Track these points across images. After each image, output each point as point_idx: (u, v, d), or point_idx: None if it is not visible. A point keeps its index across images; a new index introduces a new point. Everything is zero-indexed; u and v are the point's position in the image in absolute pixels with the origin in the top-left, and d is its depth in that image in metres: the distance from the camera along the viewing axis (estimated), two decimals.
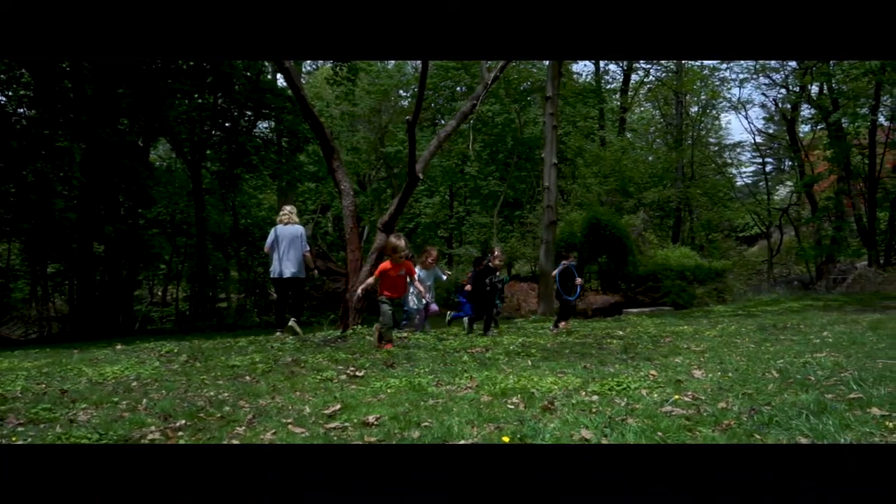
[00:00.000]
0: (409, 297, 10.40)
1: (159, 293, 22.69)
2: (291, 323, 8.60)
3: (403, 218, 27.78)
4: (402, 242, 6.96)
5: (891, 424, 3.04)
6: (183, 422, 3.70)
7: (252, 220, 21.28)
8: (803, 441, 2.90)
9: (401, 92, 29.64)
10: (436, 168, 26.29)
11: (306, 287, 15.24)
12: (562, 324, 9.20)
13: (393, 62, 28.51)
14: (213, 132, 19.28)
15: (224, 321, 17.68)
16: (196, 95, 18.08)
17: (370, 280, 7.15)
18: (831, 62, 21.45)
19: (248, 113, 19.62)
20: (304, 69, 27.79)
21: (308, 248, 8.86)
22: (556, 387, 4.37)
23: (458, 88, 27.94)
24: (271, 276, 8.97)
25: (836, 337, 6.62)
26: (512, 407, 3.84)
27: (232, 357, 6.31)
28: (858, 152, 23.08)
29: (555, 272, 9.38)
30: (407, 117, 7.73)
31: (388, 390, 4.49)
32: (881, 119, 22.83)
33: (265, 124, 21.25)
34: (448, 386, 4.59)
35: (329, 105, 26.69)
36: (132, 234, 16.37)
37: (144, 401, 4.28)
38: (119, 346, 7.68)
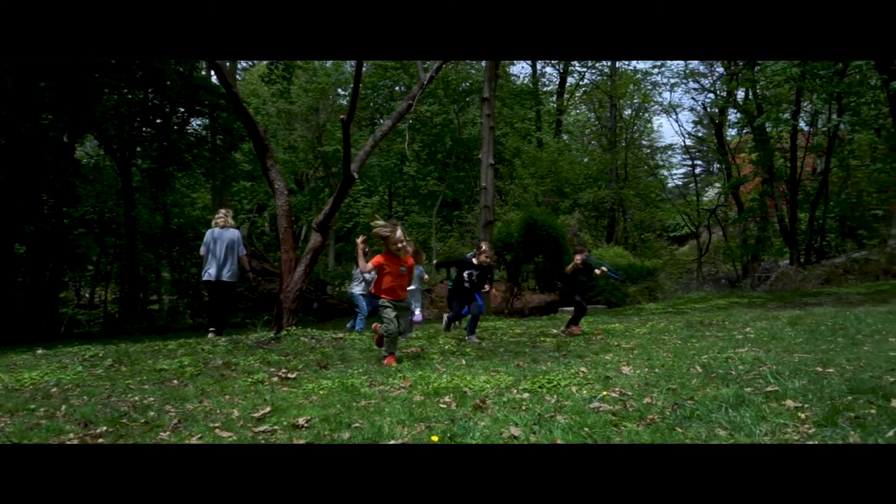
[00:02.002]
0: (354, 285, 10.33)
1: (86, 295, 21.86)
2: (211, 334, 8.50)
3: (342, 218, 27.58)
4: (397, 232, 5.83)
5: (803, 416, 3.18)
6: (104, 428, 3.58)
7: (185, 220, 20.72)
8: (721, 433, 3.01)
9: (339, 90, 29.39)
10: (374, 168, 26.18)
11: (241, 288, 14.97)
12: (574, 327, 8.00)
13: (330, 61, 28.26)
14: (144, 129, 18.67)
15: (155, 324, 17.16)
16: (125, 90, 17.48)
17: (367, 265, 5.88)
18: (756, 68, 22.32)
19: (181, 109, 19.08)
20: (239, 65, 27.21)
21: (244, 252, 8.79)
22: (488, 385, 4.42)
23: (397, 88, 27.90)
24: (204, 278, 8.84)
25: (757, 333, 6.89)
26: (444, 406, 3.86)
27: (160, 361, 6.13)
28: (781, 156, 24.08)
29: (571, 267, 8.05)
30: (342, 116, 7.66)
31: (321, 392, 4.45)
32: (802, 124, 23.90)
33: (198, 121, 20.73)
34: (381, 386, 4.58)
35: (265, 103, 26.23)
36: (56, 233, 15.70)
37: (64, 407, 4.12)
38: (40, 351, 7.36)
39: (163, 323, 17.33)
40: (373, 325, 6.34)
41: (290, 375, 5.16)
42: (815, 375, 4.04)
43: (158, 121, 18.85)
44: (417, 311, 7.78)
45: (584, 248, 8.29)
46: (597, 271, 7.99)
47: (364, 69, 27.24)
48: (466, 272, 7.74)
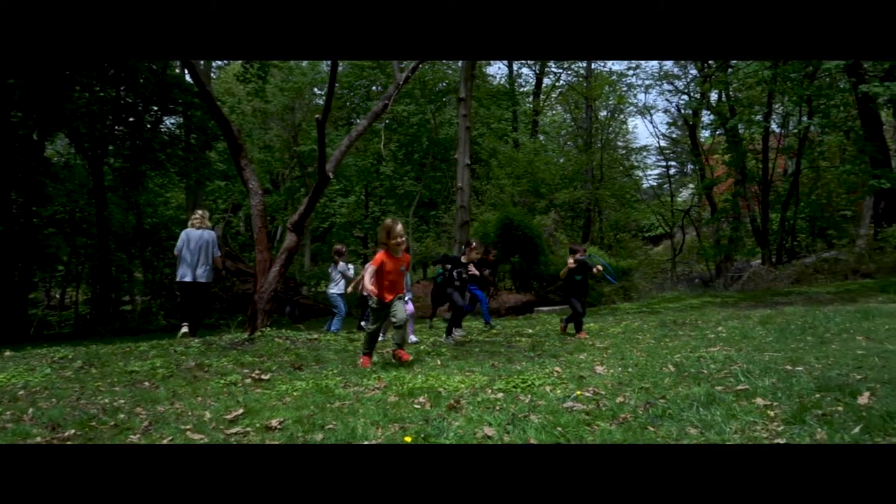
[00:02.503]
0: (332, 286, 10.22)
1: (57, 296, 21.50)
2: (183, 330, 8.44)
3: (318, 218, 27.43)
4: (398, 226, 5.52)
5: (772, 413, 3.23)
6: (73, 431, 3.52)
7: (158, 220, 20.47)
8: (692, 431, 3.04)
9: (315, 90, 29.22)
10: (351, 168, 26.08)
11: (215, 289, 14.82)
12: (582, 334, 7.49)
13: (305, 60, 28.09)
14: (116, 127, 18.41)
15: (127, 325, 16.93)
16: (97, 88, 17.22)
17: (366, 276, 5.44)
18: (729, 70, 22.62)
19: (154, 108, 18.84)
20: (213, 64, 26.92)
21: (219, 254, 8.77)
22: (463, 385, 4.42)
23: (374, 87, 27.82)
24: (178, 279, 8.85)
25: (729, 332, 6.97)
26: (418, 407, 3.85)
27: (131, 362, 6.05)
28: (753, 157, 24.43)
29: (564, 271, 7.70)
30: (317, 116, 7.62)
31: (294, 393, 4.42)
32: (773, 126, 24.28)
33: (172, 120, 20.48)
34: (356, 387, 4.57)
35: (240, 101, 26.00)
36: (25, 233, 15.43)
37: (31, 410, 4.05)
38: (8, 353, 7.22)
39: (135, 324, 17.10)
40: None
41: (263, 377, 5.12)
42: (785, 374, 4.10)
43: (131, 119, 18.60)
44: (409, 304, 7.47)
45: (579, 247, 7.95)
46: (594, 270, 7.67)
47: (340, 69, 27.11)
48: (456, 271, 7.66)
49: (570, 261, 7.58)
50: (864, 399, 3.26)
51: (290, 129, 27.34)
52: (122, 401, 4.32)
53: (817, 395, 3.44)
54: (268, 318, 7.90)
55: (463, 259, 7.79)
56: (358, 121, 26.46)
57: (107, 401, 4.33)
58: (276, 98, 26.10)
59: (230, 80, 28.11)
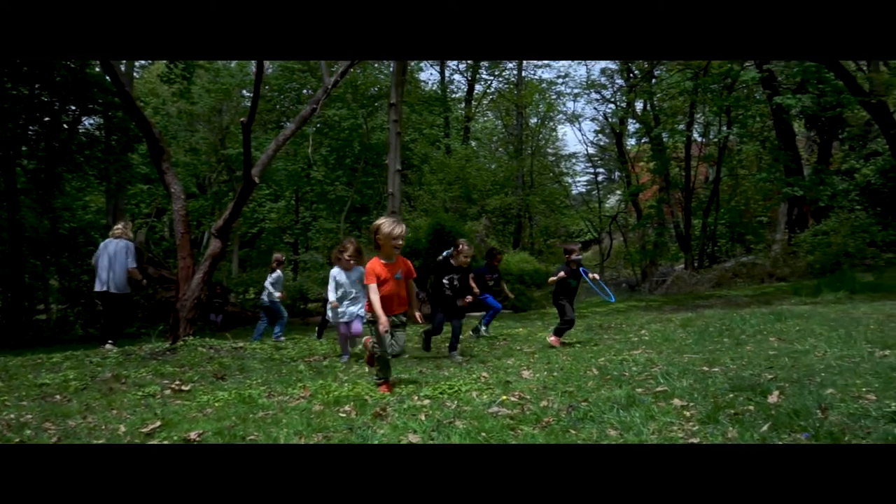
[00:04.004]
0: (266, 292, 10.00)
1: None
2: (108, 346, 8.13)
3: (246, 223, 26.83)
4: (401, 227, 4.52)
5: (688, 414, 3.32)
6: None
7: (76, 224, 19.56)
8: (612, 433, 3.10)
9: (244, 92, 28.59)
10: (281, 172, 25.63)
11: (136, 297, 14.30)
12: (555, 339, 6.78)
13: (235, 61, 27.48)
14: (30, 127, 17.53)
15: (42, 335, 16.11)
16: (9, 85, 16.36)
17: (373, 298, 4.43)
18: (653, 81, 23.40)
19: (72, 107, 18.04)
20: (136, 63, 26.02)
21: (133, 265, 8.50)
22: (389, 393, 4.40)
23: (305, 91, 27.45)
24: (94, 289, 8.63)
25: (652, 335, 7.16)
26: (343, 415, 3.81)
27: (42, 375, 5.76)
28: (676, 165, 25.31)
29: (557, 278, 6.83)
30: (242, 119, 7.46)
31: (216, 404, 4.30)
32: (695, 135, 25.24)
33: (91, 120, 19.65)
34: (280, 397, 4.48)
35: (165, 103, 25.21)
36: None
37: None
38: None
39: (49, 334, 16.29)
40: (363, 340, 5.09)
41: (183, 387, 4.96)
42: (702, 375, 4.24)
43: (46, 119, 17.74)
44: (357, 321, 6.49)
45: (575, 247, 7.13)
46: (590, 276, 6.81)
47: (269, 71, 26.67)
48: (446, 278, 6.49)
49: (570, 260, 6.83)
50: (773, 398, 3.40)
51: (217, 132, 26.65)
52: (29, 416, 4.10)
53: (731, 395, 3.56)
54: (190, 326, 7.67)
55: (452, 261, 6.58)
56: (288, 124, 26.07)
57: (13, 416, 4.10)
58: (202, 100, 25.41)
59: (154, 80, 27.24)
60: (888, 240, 16.13)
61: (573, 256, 6.88)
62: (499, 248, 10.36)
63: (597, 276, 6.88)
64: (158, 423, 3.74)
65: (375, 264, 4.49)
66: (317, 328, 10.15)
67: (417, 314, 4.79)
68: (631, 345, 6.43)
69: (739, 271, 19.47)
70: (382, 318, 4.35)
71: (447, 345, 6.61)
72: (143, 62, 28.04)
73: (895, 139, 14.84)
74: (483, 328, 8.45)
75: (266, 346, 7.69)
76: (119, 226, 9.01)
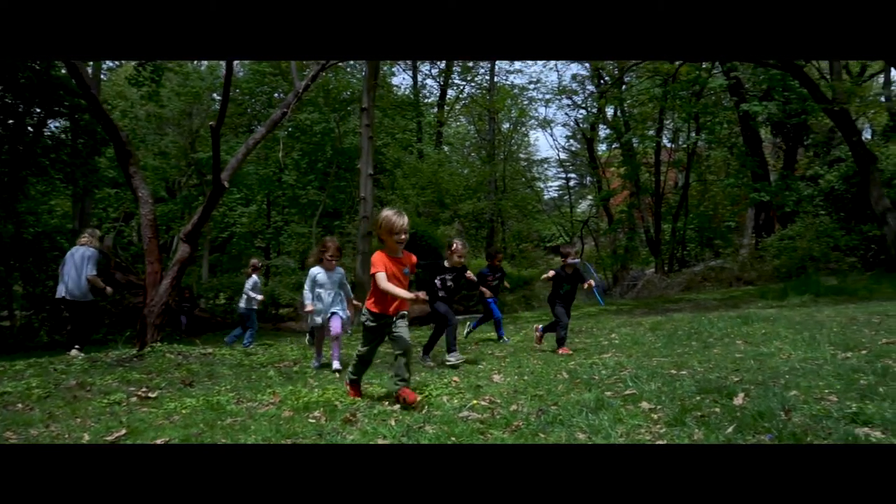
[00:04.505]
0: (244, 298, 9.83)
1: None
2: (73, 352, 7.99)
3: (217, 227, 26.54)
4: (404, 219, 4.19)
5: (656, 416, 3.36)
6: None
7: (42, 229, 19.15)
8: (581, 437, 3.12)
9: (214, 95, 28.30)
10: (252, 176, 25.40)
11: (103, 303, 14.05)
12: (564, 349, 6.36)
13: (205, 64, 27.23)
14: None
15: (6, 342, 15.74)
16: None
17: (390, 288, 4.11)
18: (623, 87, 23.67)
19: (37, 110, 17.67)
20: (104, 65, 25.62)
21: (93, 272, 8.34)
22: (360, 398, 4.38)
23: (276, 94, 27.25)
24: (56, 295, 8.50)
25: (622, 338, 7.23)
26: (313, 421, 3.78)
27: (4, 383, 5.63)
28: (647, 170, 25.63)
29: (547, 276, 6.67)
30: (211, 122, 7.38)
31: (183, 411, 4.24)
32: (665, 141, 25.58)
33: (57, 123, 19.26)
34: (249, 403, 4.43)
35: (134, 105, 24.83)
36: None
37: None
38: None
39: (13, 341, 15.93)
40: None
41: (150, 394, 4.89)
42: (670, 378, 4.28)
43: (10, 121, 17.36)
44: (336, 323, 6.14)
45: (572, 249, 6.73)
46: (584, 285, 6.48)
47: (240, 74, 26.46)
48: (438, 278, 6.29)
49: (566, 264, 6.52)
50: (739, 400, 3.45)
51: (187, 136, 26.33)
52: None
53: (698, 398, 3.61)
54: (158, 332, 7.55)
55: (445, 264, 6.34)
56: (259, 128, 25.86)
57: None
58: (171, 103, 25.09)
59: (122, 82, 26.83)
60: (851, 244, 16.49)
61: (568, 261, 6.53)
62: (497, 249, 10.25)
63: (592, 283, 6.56)
64: (123, 431, 3.68)
65: (383, 257, 4.16)
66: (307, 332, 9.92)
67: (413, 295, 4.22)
68: (601, 348, 6.48)
69: (708, 275, 19.76)
70: (410, 295, 4.12)
71: (422, 348, 6.59)
72: (110, 64, 27.66)
73: (857, 146, 15.18)
74: (468, 329, 8.66)
75: (236, 352, 7.60)
76: (86, 233, 8.91)
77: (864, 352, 4.75)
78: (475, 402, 4.00)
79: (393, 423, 3.59)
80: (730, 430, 2.95)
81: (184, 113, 25.94)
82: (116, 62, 27.89)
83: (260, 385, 5.18)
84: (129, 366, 6.51)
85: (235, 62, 24.94)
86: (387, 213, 4.20)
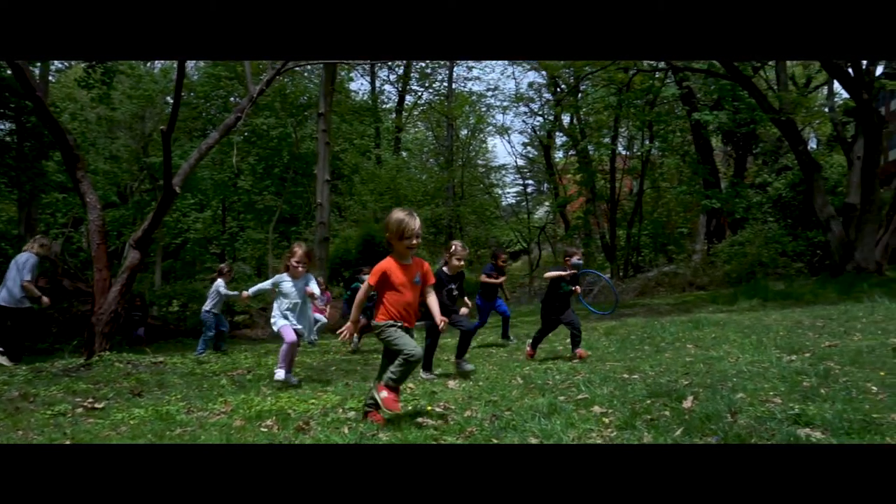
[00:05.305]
0: (211, 302, 9.49)
1: None
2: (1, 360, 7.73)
3: (170, 233, 26.02)
4: (417, 221, 3.73)
5: (607, 420, 3.40)
6: None
7: None
8: (533, 441, 3.14)
9: (168, 98, 27.76)
10: (207, 181, 24.98)
11: (51, 311, 13.65)
12: (581, 352, 6.00)
13: (158, 67, 26.74)
14: None
15: None
16: None
17: (362, 290, 3.86)
18: (579, 95, 24.00)
19: None
20: (52, 66, 24.91)
21: (27, 278, 8.03)
22: (314, 406, 4.33)
23: (232, 98, 26.87)
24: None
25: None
26: (265, 430, 3.72)
27: None
28: (602, 177, 26.01)
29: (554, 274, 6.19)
30: (162, 127, 7.24)
31: (131, 422, 4.14)
32: (620, 148, 26.03)
33: (2, 125, 18.66)
34: (200, 412, 4.35)
35: (84, 108, 24.22)
36: None
37: None
38: None
39: None
40: (375, 385, 3.82)
41: (97, 405, 4.76)
42: (622, 382, 4.35)
43: None
44: (290, 331, 5.68)
45: (577, 251, 6.35)
46: (573, 288, 6.15)
47: (195, 77, 26.04)
48: (444, 290, 5.70)
49: (568, 265, 6.10)
50: (688, 403, 3.52)
51: (139, 139, 25.76)
52: None
53: (648, 402, 3.66)
54: (107, 341, 7.36)
55: (446, 270, 5.81)
56: (213, 133, 25.41)
57: None
58: (123, 105, 24.52)
59: (72, 84, 26.12)
60: (798, 250, 17.00)
61: (573, 261, 6.13)
62: (501, 248, 9.83)
63: (578, 289, 6.33)
64: (67, 444, 3.57)
65: (389, 265, 3.72)
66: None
67: (440, 319, 4.00)
68: (556, 353, 6.54)
69: (662, 280, 20.11)
70: (350, 328, 3.83)
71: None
72: (59, 65, 26.95)
73: (803, 155, 15.67)
74: (511, 340, 8.27)
75: (188, 360, 7.45)
76: (34, 240, 8.61)
77: (807, 354, 4.89)
78: (430, 408, 3.99)
79: (346, 430, 3.56)
80: (678, 432, 3.00)
81: (136, 116, 25.38)
82: (65, 63, 27.18)
83: (211, 394, 5.09)
84: (75, 376, 6.32)
85: (189, 64, 24.43)
86: (397, 213, 3.73)
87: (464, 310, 5.88)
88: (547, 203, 35.32)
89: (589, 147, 24.57)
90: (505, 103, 35.18)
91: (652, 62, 18.82)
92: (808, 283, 14.60)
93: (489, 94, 32.99)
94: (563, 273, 6.06)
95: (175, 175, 7.83)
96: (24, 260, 8.06)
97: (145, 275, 22.49)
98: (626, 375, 4.63)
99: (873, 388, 3.58)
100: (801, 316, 7.92)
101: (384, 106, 32.63)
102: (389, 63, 28.06)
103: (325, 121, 14.08)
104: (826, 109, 19.25)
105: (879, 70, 15.82)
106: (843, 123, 17.54)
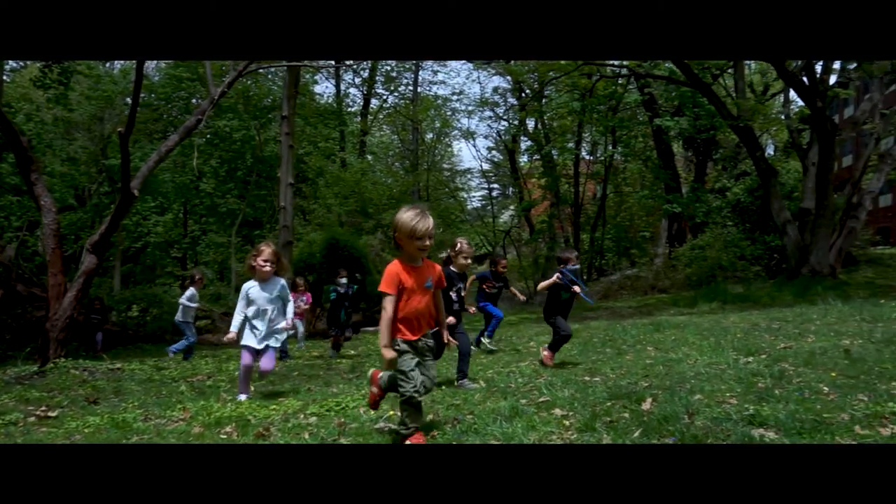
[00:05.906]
0: (180, 309, 9.26)
1: None
2: None
3: (130, 237, 25.52)
4: (429, 221, 3.29)
5: (567, 423, 3.42)
6: None
7: None
8: (494, 444, 3.14)
9: (127, 100, 27.23)
10: (168, 184, 24.57)
11: (4, 316, 13.29)
12: (547, 354, 5.92)
13: (118, 67, 26.23)
14: None
15: None
16: None
17: (390, 309, 3.28)
18: (543, 100, 24.21)
19: None
20: (7, 65, 24.25)
21: None
22: (274, 412, 4.28)
23: (194, 100, 26.49)
24: None
25: (539, 346, 7.34)
26: (224, 437, 3.67)
27: None
28: (566, 181, 26.28)
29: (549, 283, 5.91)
30: (120, 129, 7.10)
31: (86, 430, 4.05)
32: (583, 153, 26.32)
33: None
34: (157, 420, 4.27)
35: (40, 109, 23.63)
36: None
37: None
38: None
39: None
40: (370, 373, 3.80)
41: (50, 413, 4.64)
42: (583, 384, 4.38)
43: None
44: (269, 356, 5.20)
45: (571, 254, 6.05)
46: (573, 289, 5.84)
47: (156, 79, 25.60)
48: (453, 291, 5.43)
49: (557, 275, 5.83)
50: (647, 405, 3.56)
51: (97, 141, 25.21)
52: None
53: (608, 404, 3.70)
54: (62, 347, 7.18)
55: (453, 269, 5.55)
56: (174, 135, 24.98)
57: None
58: (81, 106, 23.99)
59: (27, 84, 25.45)
60: (756, 254, 17.35)
61: (569, 266, 5.85)
62: (501, 255, 9.67)
63: (577, 289, 5.88)
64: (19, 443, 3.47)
65: (398, 268, 3.34)
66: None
67: (447, 334, 3.68)
68: (519, 356, 6.58)
69: (625, 284, 20.38)
70: (387, 353, 3.26)
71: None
72: (14, 64, 26.24)
73: (760, 161, 16.02)
74: (487, 340, 7.80)
75: (146, 366, 7.31)
76: None
77: (763, 356, 4.99)
78: (392, 413, 3.98)
79: (307, 436, 3.53)
80: (637, 434, 3.03)
81: (94, 117, 24.85)
82: (20, 63, 26.48)
83: (170, 401, 5.00)
84: (28, 383, 6.16)
85: (149, 64, 23.98)
86: (408, 212, 3.31)
87: (451, 318, 5.07)
88: (512, 207, 35.55)
89: (553, 151, 24.79)
90: (470, 107, 35.44)
91: (614, 68, 19.08)
92: (765, 286, 14.92)
93: (454, 98, 33.10)
94: (553, 281, 5.83)
95: (134, 178, 7.68)
96: None
97: (104, 279, 22.02)
98: (587, 378, 4.67)
99: (825, 388, 3.67)
100: (759, 318, 8.09)
101: (349, 109, 32.49)
102: (354, 66, 27.95)
103: (288, 123, 13.96)
104: (783, 117, 19.70)
105: (833, 79, 16.26)
106: (798, 130, 17.98)
